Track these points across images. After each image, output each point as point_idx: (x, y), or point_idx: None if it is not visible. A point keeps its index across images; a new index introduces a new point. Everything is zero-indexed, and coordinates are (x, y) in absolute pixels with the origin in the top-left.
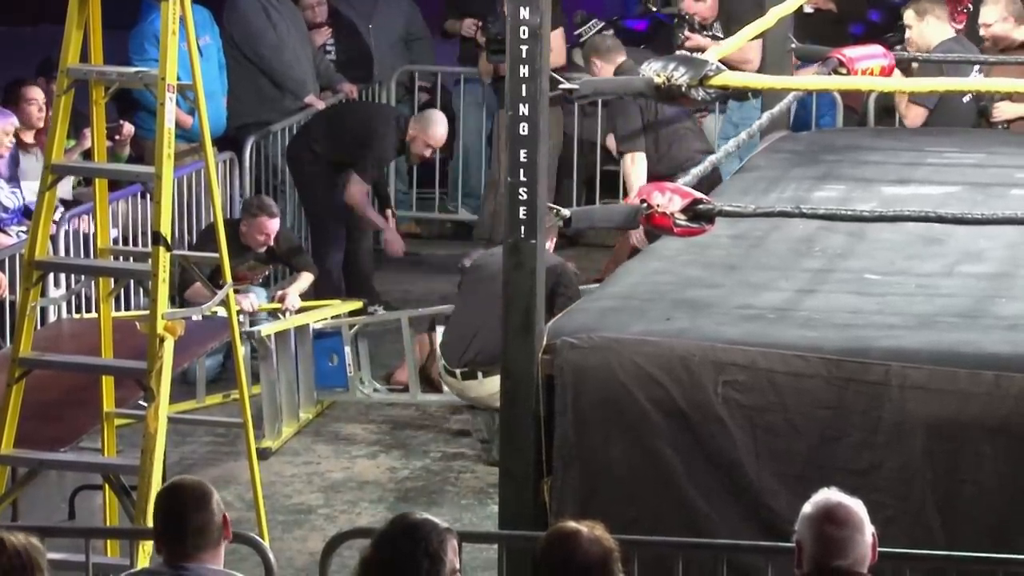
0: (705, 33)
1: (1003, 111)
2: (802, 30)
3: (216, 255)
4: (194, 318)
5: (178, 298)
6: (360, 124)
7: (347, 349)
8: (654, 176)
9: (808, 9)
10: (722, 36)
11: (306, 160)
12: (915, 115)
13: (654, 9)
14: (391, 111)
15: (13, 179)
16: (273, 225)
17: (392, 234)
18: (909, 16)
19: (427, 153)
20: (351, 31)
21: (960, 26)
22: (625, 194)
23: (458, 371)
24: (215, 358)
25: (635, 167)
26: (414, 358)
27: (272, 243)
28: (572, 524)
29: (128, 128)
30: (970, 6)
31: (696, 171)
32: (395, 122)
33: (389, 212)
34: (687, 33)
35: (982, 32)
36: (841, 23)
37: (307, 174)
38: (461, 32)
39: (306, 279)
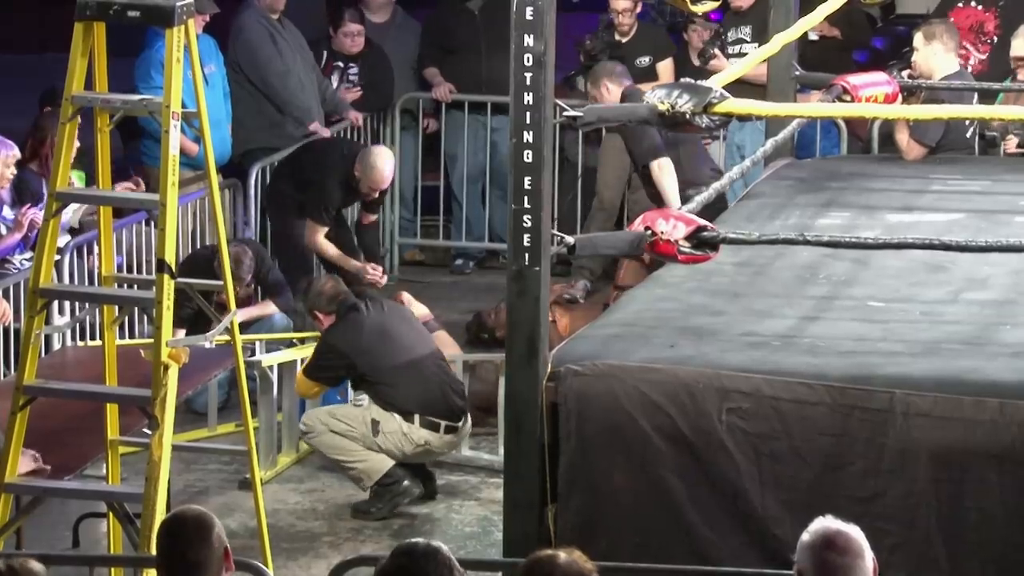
0: (732, 46)
1: (1016, 142)
2: (807, 57)
3: (217, 283)
4: (206, 346)
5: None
6: (310, 166)
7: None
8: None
9: (813, 36)
10: (749, 41)
11: (278, 203)
12: (917, 153)
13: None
14: (339, 151)
15: (16, 207)
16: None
17: (370, 271)
18: (918, 38)
19: (373, 195)
20: (379, 58)
21: (983, 56)
22: (630, 220)
23: (443, 424)
24: (220, 387)
25: (665, 174)
26: None
27: (252, 275)
28: (548, 551)
29: (142, 186)
30: (995, 38)
31: (700, 198)
32: (341, 163)
33: (371, 267)
34: (715, 51)
35: (1014, 65)
36: (846, 50)
37: (280, 219)
38: (434, 93)
39: (268, 308)
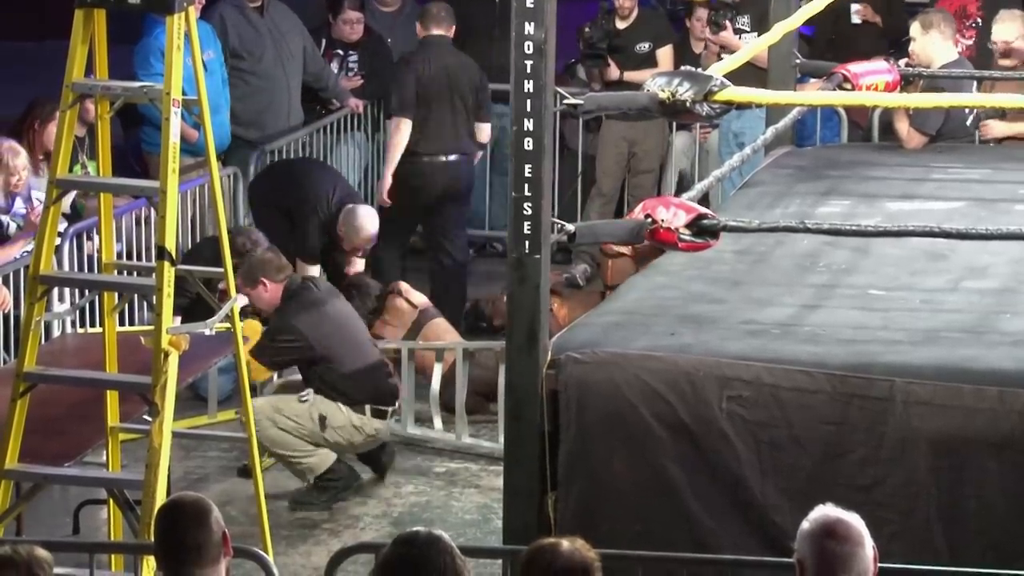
0: (738, 23)
1: (993, 129)
2: (846, 38)
3: (217, 270)
4: (206, 333)
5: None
6: (296, 206)
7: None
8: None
9: (856, 20)
10: (748, 30)
11: (267, 227)
12: (917, 142)
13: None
14: (325, 199)
15: (28, 202)
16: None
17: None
18: (914, 28)
19: (356, 254)
20: (379, 46)
21: (970, 42)
22: (630, 206)
23: (389, 411)
24: (231, 374)
25: (398, 133)
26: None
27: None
28: (551, 539)
29: None
30: (979, 20)
31: (700, 186)
32: (327, 210)
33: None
34: (726, 22)
35: (996, 48)
36: (884, 37)
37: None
38: None
39: None
